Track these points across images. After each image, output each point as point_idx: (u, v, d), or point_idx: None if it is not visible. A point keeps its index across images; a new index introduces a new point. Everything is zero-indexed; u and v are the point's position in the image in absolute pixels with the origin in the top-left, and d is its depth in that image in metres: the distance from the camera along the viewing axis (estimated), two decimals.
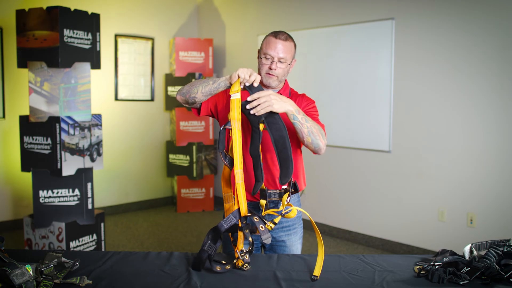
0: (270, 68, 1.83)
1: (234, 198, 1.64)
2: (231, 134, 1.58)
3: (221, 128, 1.62)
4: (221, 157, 1.64)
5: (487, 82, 3.44)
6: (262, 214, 1.64)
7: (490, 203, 3.46)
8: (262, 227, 1.51)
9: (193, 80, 5.23)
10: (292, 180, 1.60)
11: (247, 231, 1.54)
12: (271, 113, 1.60)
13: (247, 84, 1.65)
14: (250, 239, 1.57)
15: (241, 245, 1.59)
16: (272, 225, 1.57)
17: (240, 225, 1.56)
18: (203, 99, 1.80)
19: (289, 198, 1.58)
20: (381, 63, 4.01)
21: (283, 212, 1.56)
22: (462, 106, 3.57)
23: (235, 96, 1.60)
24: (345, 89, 4.27)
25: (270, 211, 1.62)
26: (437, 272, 1.46)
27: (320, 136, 1.71)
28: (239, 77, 1.64)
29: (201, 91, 1.77)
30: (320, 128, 1.75)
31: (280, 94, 1.92)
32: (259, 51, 1.89)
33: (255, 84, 1.64)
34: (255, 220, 1.53)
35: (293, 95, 1.96)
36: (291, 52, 1.85)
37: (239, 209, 1.58)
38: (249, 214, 1.56)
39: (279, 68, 1.83)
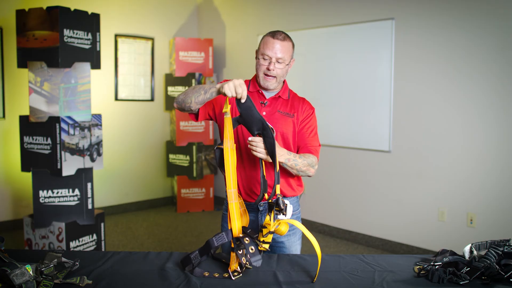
0: (268, 69, 1.82)
1: (227, 217, 1.62)
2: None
3: (215, 148, 1.64)
4: (223, 173, 1.64)
5: (487, 82, 3.44)
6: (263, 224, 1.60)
7: (490, 203, 3.46)
8: (252, 249, 1.46)
9: (193, 80, 5.23)
10: (276, 194, 1.56)
11: (240, 251, 1.49)
12: (264, 127, 1.61)
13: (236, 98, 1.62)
14: (244, 260, 1.48)
15: (233, 266, 1.52)
16: (266, 246, 1.54)
17: (232, 245, 1.53)
18: (198, 107, 1.80)
19: (275, 216, 1.53)
20: (381, 63, 4.01)
21: (271, 229, 1.52)
22: (462, 106, 3.57)
23: (226, 115, 1.60)
24: (345, 89, 4.27)
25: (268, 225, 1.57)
26: (437, 272, 1.46)
27: (310, 168, 1.82)
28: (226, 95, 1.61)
29: (194, 100, 1.75)
30: (311, 159, 1.82)
31: (279, 96, 1.91)
32: (257, 52, 1.87)
33: (242, 100, 1.60)
34: (246, 241, 1.49)
35: (292, 97, 1.95)
36: (290, 52, 1.83)
37: (231, 229, 1.56)
38: (241, 235, 1.53)
39: (277, 68, 1.82)
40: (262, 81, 1.86)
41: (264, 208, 1.86)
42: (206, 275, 1.49)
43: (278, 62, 1.81)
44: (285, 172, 1.89)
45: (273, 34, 1.82)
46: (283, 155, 1.72)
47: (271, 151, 1.60)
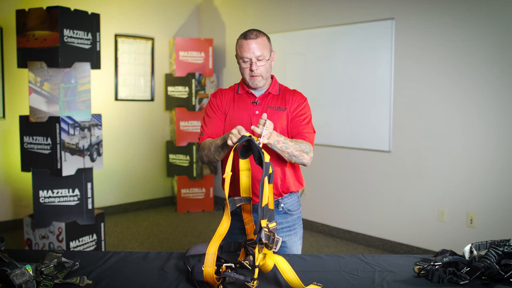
0: (251, 70, 1.83)
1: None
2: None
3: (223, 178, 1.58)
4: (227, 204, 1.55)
5: (487, 82, 3.44)
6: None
7: (490, 203, 3.46)
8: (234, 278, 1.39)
9: (193, 80, 5.22)
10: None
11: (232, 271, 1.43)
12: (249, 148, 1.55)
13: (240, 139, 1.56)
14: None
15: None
16: (256, 283, 1.38)
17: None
18: (223, 155, 1.78)
19: (262, 247, 1.43)
20: (381, 63, 4.01)
21: (257, 263, 1.41)
22: (462, 106, 3.58)
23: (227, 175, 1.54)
24: (345, 89, 4.27)
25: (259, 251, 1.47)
26: (437, 272, 1.46)
27: (304, 154, 1.76)
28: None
29: (218, 157, 1.77)
30: (305, 145, 1.77)
31: (269, 92, 1.91)
32: (236, 56, 1.88)
33: (242, 133, 1.56)
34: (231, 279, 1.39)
35: (283, 91, 1.95)
36: (267, 46, 1.84)
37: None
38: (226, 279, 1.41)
39: (260, 66, 1.83)
40: (250, 82, 1.87)
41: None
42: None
43: (259, 60, 1.82)
44: (285, 167, 1.88)
45: (245, 36, 1.82)
46: (271, 136, 1.65)
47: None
